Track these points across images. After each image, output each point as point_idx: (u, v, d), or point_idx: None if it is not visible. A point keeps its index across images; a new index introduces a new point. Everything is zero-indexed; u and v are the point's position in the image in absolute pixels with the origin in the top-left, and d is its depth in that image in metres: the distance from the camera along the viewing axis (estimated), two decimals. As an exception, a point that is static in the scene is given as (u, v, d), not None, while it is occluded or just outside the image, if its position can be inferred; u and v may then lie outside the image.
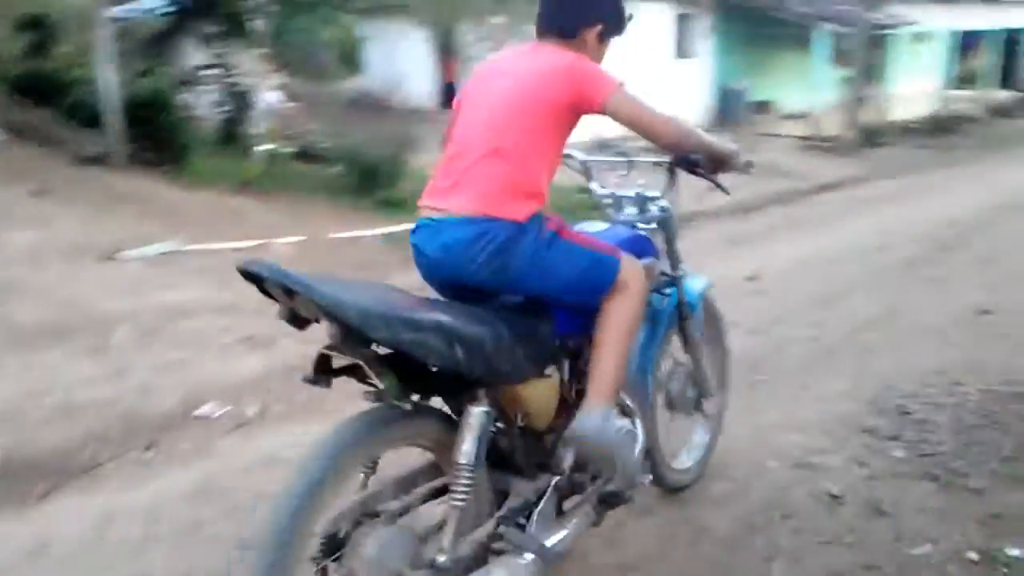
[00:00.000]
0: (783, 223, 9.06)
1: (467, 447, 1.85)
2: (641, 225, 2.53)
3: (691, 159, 2.27)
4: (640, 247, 2.39)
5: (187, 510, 2.99)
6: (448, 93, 15.75)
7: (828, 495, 2.95)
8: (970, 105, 20.52)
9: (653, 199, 2.58)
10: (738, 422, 3.52)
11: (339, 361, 1.77)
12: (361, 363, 1.73)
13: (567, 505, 2.24)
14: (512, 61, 2.18)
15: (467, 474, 1.84)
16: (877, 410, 3.70)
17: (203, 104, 9.91)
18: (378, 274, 6.44)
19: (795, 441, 3.40)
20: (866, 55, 15.60)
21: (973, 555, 2.54)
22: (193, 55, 10.90)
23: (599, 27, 2.21)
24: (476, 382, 1.87)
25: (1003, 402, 3.73)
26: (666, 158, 2.47)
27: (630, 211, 2.57)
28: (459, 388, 1.90)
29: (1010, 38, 22.18)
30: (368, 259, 6.85)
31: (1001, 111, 20.94)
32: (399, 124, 9.72)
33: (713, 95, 16.98)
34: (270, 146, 8.98)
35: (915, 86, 19.67)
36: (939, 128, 18.45)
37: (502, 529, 1.97)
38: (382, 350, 1.74)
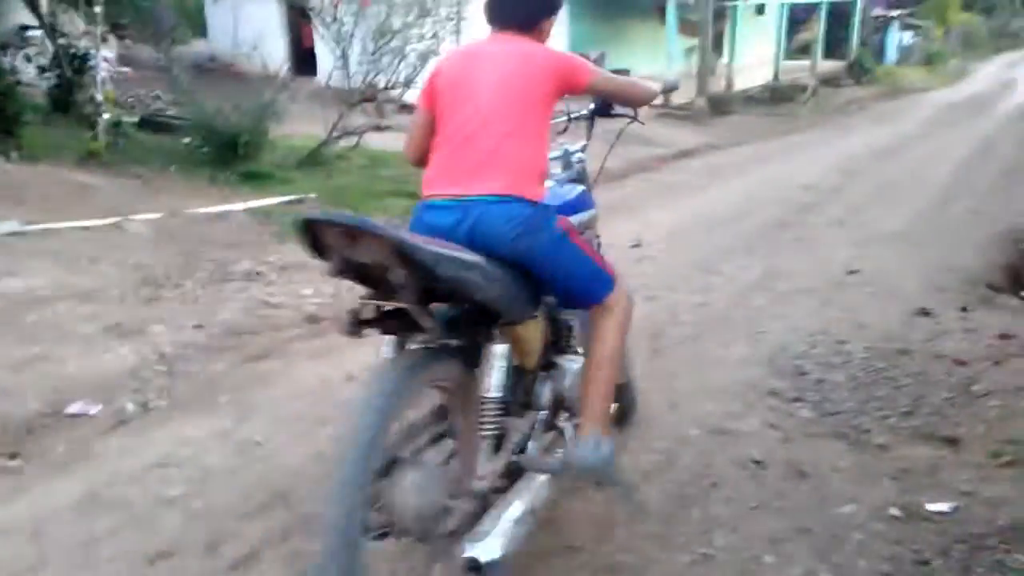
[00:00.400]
0: (653, 190, 9.27)
1: (495, 380, 2.07)
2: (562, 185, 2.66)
3: (602, 105, 2.80)
4: (584, 202, 2.66)
5: (77, 524, 2.65)
6: (304, 58, 15.05)
7: (751, 461, 3.01)
8: (803, 75, 21.81)
9: (573, 153, 2.80)
10: (653, 390, 3.53)
11: (367, 312, 1.96)
12: (408, 306, 1.85)
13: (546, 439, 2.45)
14: (490, 54, 2.31)
15: (494, 405, 2.05)
16: (777, 372, 3.82)
17: (30, 70, 8.91)
18: (251, 251, 6.06)
19: (709, 409, 3.45)
20: (711, 26, 16.18)
21: (895, 511, 2.66)
22: (15, 15, 9.81)
23: (552, 16, 2.48)
24: (494, 320, 2.08)
25: (888, 358, 3.94)
26: (585, 111, 2.85)
27: (555, 170, 2.68)
28: (480, 327, 2.09)
29: (833, 10, 23.65)
30: (237, 236, 6.42)
31: (830, 80, 22.39)
32: (254, 91, 9.11)
33: (570, 63, 17.09)
34: (110, 115, 8.19)
35: (755, 56, 20.68)
36: (778, 97, 19.51)
37: (518, 457, 2.20)
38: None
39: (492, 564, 1.90)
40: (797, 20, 22.82)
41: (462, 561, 1.93)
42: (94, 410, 3.59)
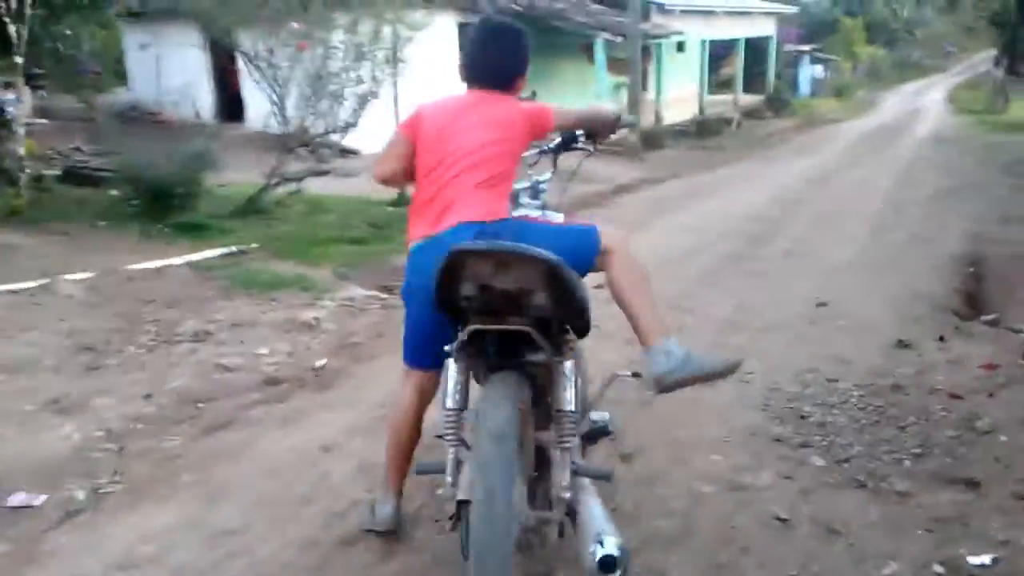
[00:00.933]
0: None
1: (569, 395, 2.13)
2: (531, 211, 2.85)
3: (568, 139, 3.05)
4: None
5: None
6: (232, 104, 14.61)
7: (775, 519, 2.83)
8: (726, 108, 22.42)
9: (541, 183, 3.02)
10: (655, 443, 3.35)
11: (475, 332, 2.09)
12: (530, 329, 2.03)
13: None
14: (470, 110, 2.63)
15: (571, 418, 2.13)
16: (775, 416, 3.69)
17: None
18: (196, 308, 5.68)
19: (717, 461, 3.27)
20: (640, 63, 16.44)
21: (939, 568, 2.52)
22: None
23: (524, 75, 2.82)
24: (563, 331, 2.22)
25: (883, 395, 3.86)
26: (550, 146, 3.08)
27: (524, 199, 2.93)
28: (555, 344, 2.16)
29: (750, 46, 24.47)
30: (179, 292, 6.01)
31: (751, 113, 23.06)
32: (182, 139, 8.73)
33: (501, 102, 17.12)
34: (31, 170, 7.69)
35: (679, 92, 21.16)
36: (704, 130, 19.95)
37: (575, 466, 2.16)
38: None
39: (624, 554, 1.96)
40: (718, 56, 23.49)
41: (594, 564, 1.95)
42: (39, 500, 3.19)
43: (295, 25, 8.34)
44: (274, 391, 4.38)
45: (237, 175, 9.89)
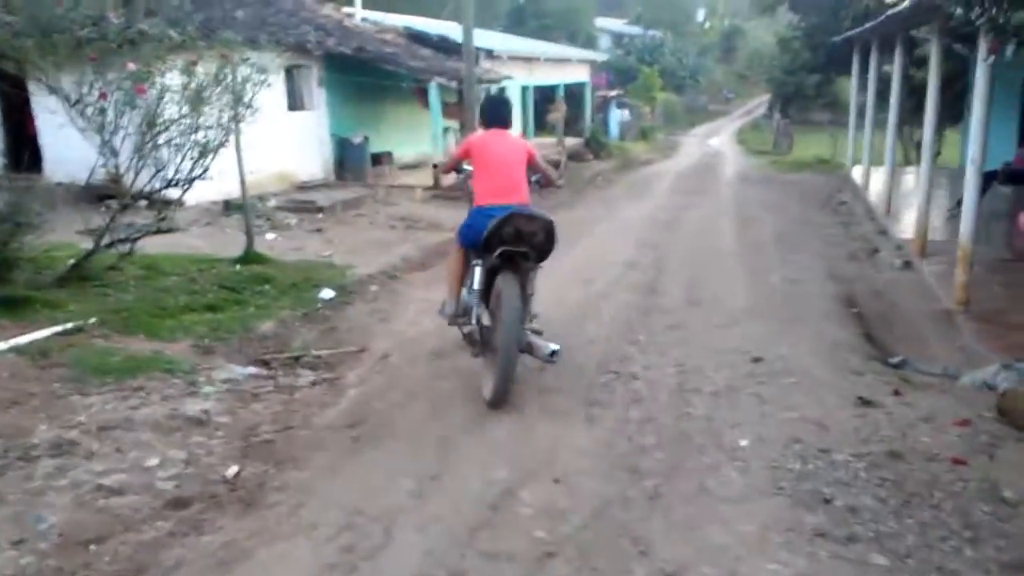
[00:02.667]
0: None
1: (533, 285, 4.89)
2: None
3: (539, 181, 5.32)
4: None
5: None
6: (32, 151, 12.66)
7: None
8: (549, 150, 22.80)
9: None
10: (694, 558, 2.88)
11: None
12: (527, 249, 4.55)
13: None
14: (500, 140, 5.03)
15: (531, 295, 4.90)
16: (798, 503, 3.36)
17: None
18: (44, 408, 4.57)
19: (767, 568, 2.86)
20: (475, 107, 16.25)
21: None
22: None
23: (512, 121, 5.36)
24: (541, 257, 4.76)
25: (886, 465, 3.66)
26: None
27: None
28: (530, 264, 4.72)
29: (569, 91, 25.21)
30: (14, 388, 4.81)
31: (573, 155, 23.59)
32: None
33: (332, 147, 16.31)
34: None
35: (505, 134, 21.25)
36: (535, 173, 20.07)
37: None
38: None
39: (558, 352, 4.64)
40: (544, 101, 23.95)
41: (547, 352, 4.64)
42: None
43: (131, 66, 7.24)
44: (185, 517, 3.50)
45: (50, 234, 8.49)
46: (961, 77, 15.19)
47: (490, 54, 18.61)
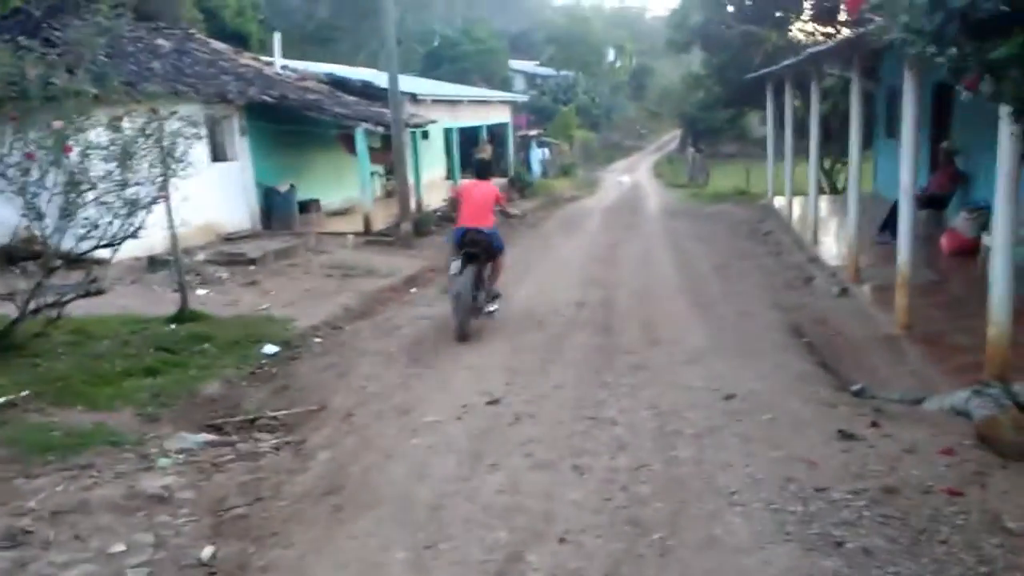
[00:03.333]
0: (422, 330, 8.44)
1: (487, 272, 8.25)
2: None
3: (504, 213, 8.72)
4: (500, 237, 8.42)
5: None
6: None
7: None
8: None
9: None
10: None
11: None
12: (479, 251, 7.98)
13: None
14: (477, 187, 8.38)
15: (487, 280, 8.28)
16: (812, 549, 3.30)
17: None
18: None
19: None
20: (403, 152, 16.16)
21: None
22: None
23: (493, 174, 9.73)
24: (488, 257, 8.21)
25: (885, 503, 3.65)
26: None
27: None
28: (482, 259, 8.10)
29: (492, 132, 25.42)
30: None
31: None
32: None
33: (257, 197, 15.92)
34: None
35: (430, 177, 21.22)
36: (464, 214, 20.03)
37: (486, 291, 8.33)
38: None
39: (494, 312, 8.34)
40: (469, 141, 24.05)
41: (487, 313, 8.25)
42: None
43: (57, 124, 6.88)
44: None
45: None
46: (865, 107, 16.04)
47: (414, 98, 18.61)
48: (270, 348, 7.98)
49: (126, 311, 9.26)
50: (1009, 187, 5.20)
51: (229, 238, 14.42)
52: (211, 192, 13.85)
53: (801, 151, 15.97)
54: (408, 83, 19.47)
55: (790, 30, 22.05)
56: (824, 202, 16.84)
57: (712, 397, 5.34)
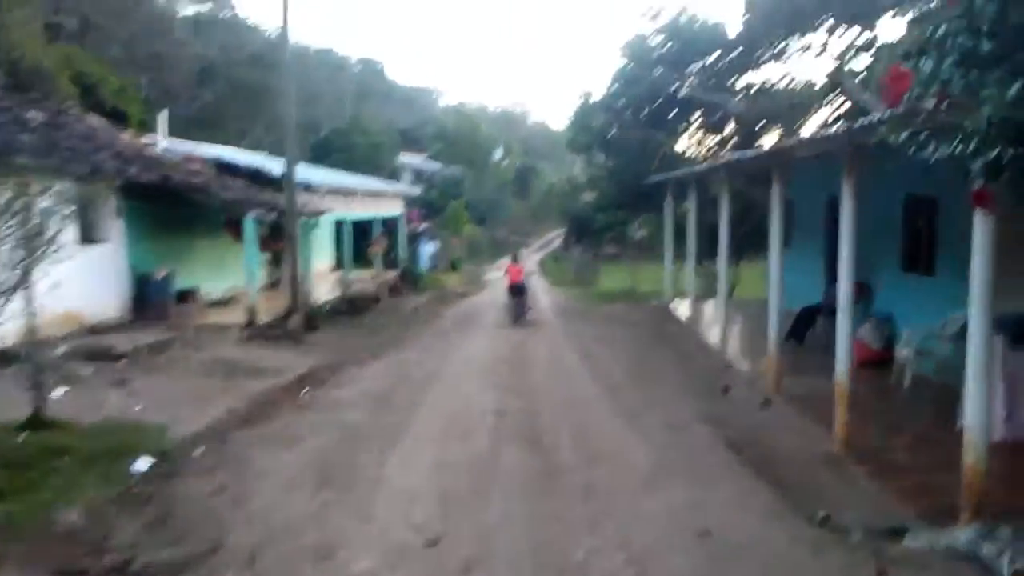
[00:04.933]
0: (330, 442, 7.51)
1: (528, 296, 18.10)
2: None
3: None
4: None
5: None
6: None
7: None
8: (365, 284, 22.04)
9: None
10: None
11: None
12: (520, 292, 17.69)
13: None
14: (516, 265, 18.20)
15: (528, 301, 18.27)
16: None
17: None
18: None
19: None
20: (298, 241, 15.29)
21: None
22: None
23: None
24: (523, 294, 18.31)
25: None
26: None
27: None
28: (523, 295, 17.98)
29: (384, 224, 24.84)
30: None
31: (393, 288, 22.96)
32: None
33: (131, 283, 14.53)
34: None
35: (318, 267, 20.30)
36: (355, 308, 19.14)
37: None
38: None
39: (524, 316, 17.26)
40: (361, 232, 23.38)
41: (527, 320, 17.30)
42: None
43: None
44: None
45: None
46: (750, 213, 16.66)
47: (308, 187, 17.82)
48: (143, 463, 6.86)
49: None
50: (984, 301, 4.97)
51: (95, 329, 12.93)
52: (77, 277, 12.40)
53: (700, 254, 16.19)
54: (302, 171, 18.74)
55: (679, 139, 22.88)
56: (714, 306, 17.01)
57: (686, 534, 4.73)
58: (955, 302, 9.27)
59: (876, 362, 10.25)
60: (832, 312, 12.04)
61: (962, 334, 8.87)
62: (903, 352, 9.20)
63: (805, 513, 5.47)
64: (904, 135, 4.06)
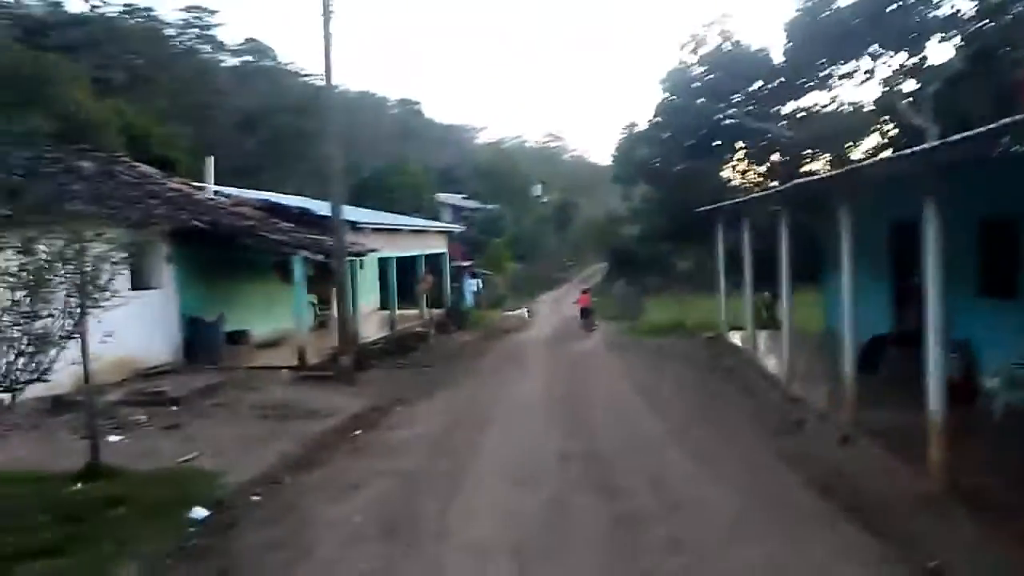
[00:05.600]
0: (389, 490, 7.17)
1: (593, 319, 25.42)
2: None
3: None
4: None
5: None
6: None
7: None
8: (412, 322, 21.88)
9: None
10: None
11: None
12: (589, 312, 24.91)
13: None
14: (584, 293, 27.21)
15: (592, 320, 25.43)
16: None
17: None
18: None
19: None
20: (348, 282, 15.18)
21: None
22: None
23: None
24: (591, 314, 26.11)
25: None
26: None
27: None
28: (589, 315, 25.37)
29: (428, 262, 24.74)
30: None
31: (440, 326, 22.74)
32: None
33: (181, 327, 14.51)
34: None
35: (365, 306, 20.20)
36: (402, 347, 18.93)
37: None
38: None
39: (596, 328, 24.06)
40: (405, 270, 23.29)
41: (594, 329, 23.81)
42: None
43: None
44: None
45: None
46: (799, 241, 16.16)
47: (355, 226, 17.78)
48: (199, 512, 6.63)
49: (19, 466, 7.76)
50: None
51: (147, 374, 12.90)
52: (129, 323, 12.39)
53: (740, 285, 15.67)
54: (347, 211, 18.75)
55: (724, 168, 22.52)
56: (773, 337, 16.45)
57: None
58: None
59: (956, 392, 9.68)
60: (905, 340, 11.55)
61: (1059, 361, 8.43)
62: (993, 381, 8.65)
63: (913, 563, 5.01)
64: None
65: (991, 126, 4.54)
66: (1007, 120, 4.39)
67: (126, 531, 6.12)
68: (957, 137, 5.65)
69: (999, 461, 7.22)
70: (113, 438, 9.10)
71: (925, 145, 6.40)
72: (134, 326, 12.67)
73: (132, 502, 6.69)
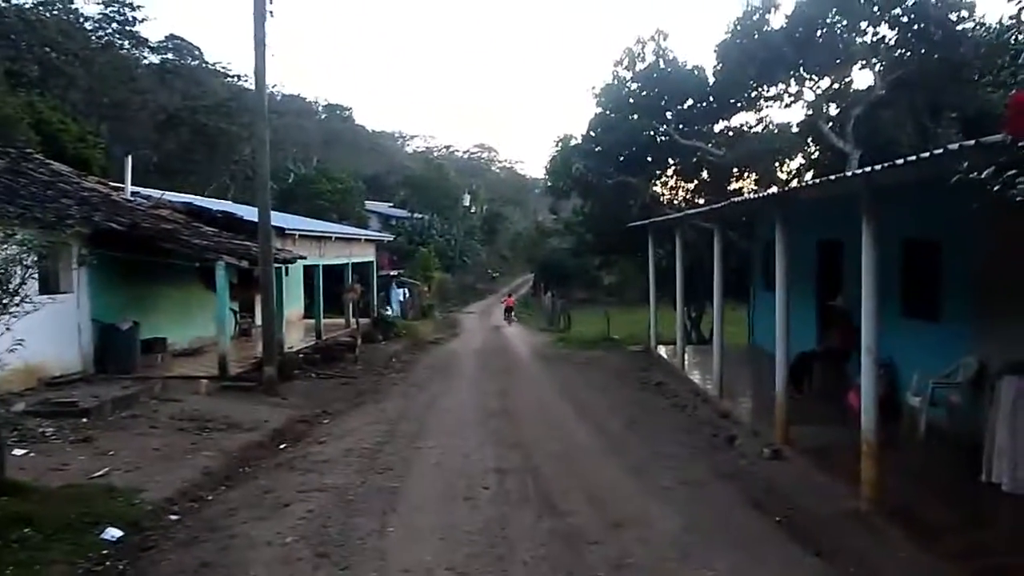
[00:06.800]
0: (320, 508, 6.88)
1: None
2: None
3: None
4: None
5: None
6: None
7: None
8: (343, 331, 21.42)
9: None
10: None
11: None
12: None
13: None
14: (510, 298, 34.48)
15: None
16: None
17: None
18: None
19: None
20: (274, 288, 14.67)
21: None
22: None
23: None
24: None
25: None
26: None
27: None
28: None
29: (356, 270, 24.28)
30: None
31: (366, 336, 22.29)
32: None
33: (94, 334, 13.76)
34: None
35: (290, 314, 19.67)
36: (329, 356, 18.47)
37: None
38: None
39: None
40: (332, 278, 22.76)
41: None
42: None
43: None
44: None
45: None
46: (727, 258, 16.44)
47: (282, 232, 17.28)
48: (112, 533, 6.23)
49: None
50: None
51: (55, 383, 12.16)
52: (37, 329, 11.65)
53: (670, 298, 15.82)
54: (275, 217, 18.22)
55: (655, 184, 22.78)
56: (700, 352, 16.68)
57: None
58: (958, 347, 9.06)
59: (881, 410, 9.92)
60: (830, 357, 11.82)
61: (976, 380, 8.68)
62: (915, 400, 8.88)
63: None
64: (989, 171, 3.70)
65: (950, 147, 4.58)
66: (967, 143, 4.44)
67: (31, 553, 5.68)
68: (907, 159, 5.68)
69: (922, 478, 7.39)
70: (18, 452, 8.50)
71: (867, 168, 6.47)
72: (42, 332, 11.88)
73: (40, 521, 6.24)
